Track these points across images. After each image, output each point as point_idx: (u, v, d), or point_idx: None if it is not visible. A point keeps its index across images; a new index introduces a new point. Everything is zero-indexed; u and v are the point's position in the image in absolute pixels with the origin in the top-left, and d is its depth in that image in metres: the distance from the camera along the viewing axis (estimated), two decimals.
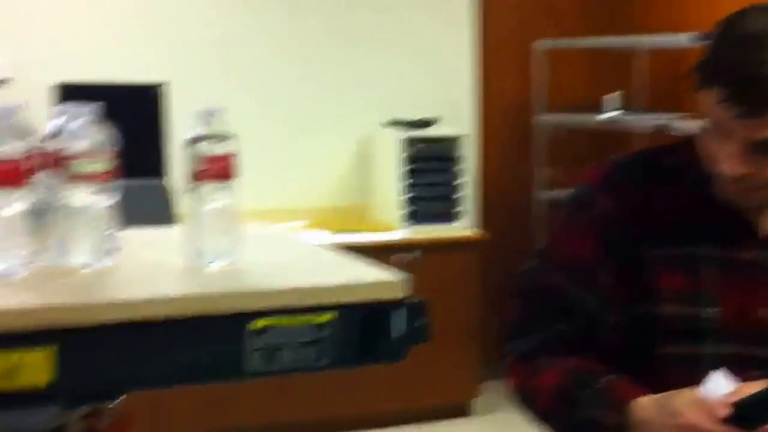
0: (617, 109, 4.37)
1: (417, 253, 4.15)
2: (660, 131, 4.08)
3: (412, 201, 4.40)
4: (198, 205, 1.40)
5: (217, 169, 1.38)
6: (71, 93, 4.00)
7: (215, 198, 1.39)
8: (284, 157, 4.44)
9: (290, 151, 4.45)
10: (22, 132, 1.35)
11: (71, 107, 1.40)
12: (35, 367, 1.21)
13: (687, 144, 1.60)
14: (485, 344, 4.32)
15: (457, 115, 4.63)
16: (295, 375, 1.34)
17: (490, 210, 4.80)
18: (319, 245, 1.65)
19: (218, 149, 1.39)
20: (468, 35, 4.67)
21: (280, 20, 4.40)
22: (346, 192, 4.57)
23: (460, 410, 4.41)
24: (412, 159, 4.38)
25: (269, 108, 4.40)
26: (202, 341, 1.28)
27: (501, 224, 4.77)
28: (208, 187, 1.39)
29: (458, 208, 4.49)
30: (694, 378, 1.45)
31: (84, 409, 1.32)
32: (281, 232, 1.77)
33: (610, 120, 4.32)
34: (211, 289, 1.31)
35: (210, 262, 1.40)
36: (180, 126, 4.12)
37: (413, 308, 1.34)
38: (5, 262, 1.32)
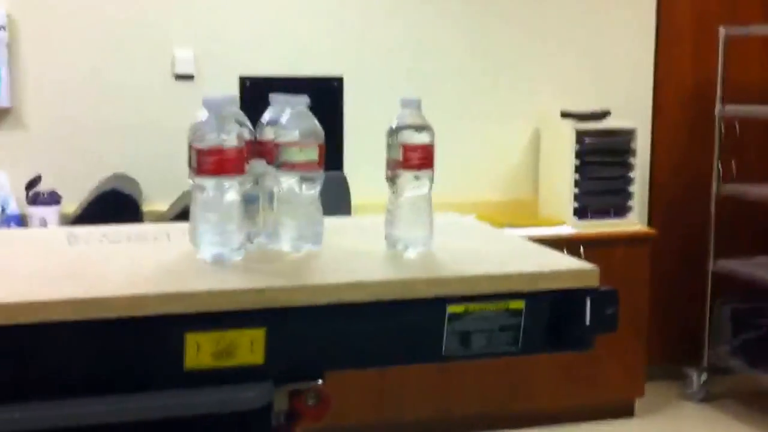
0: None
1: (585, 248, 4.14)
2: None
3: (583, 195, 4.38)
4: (396, 192, 1.48)
5: (417, 159, 1.46)
6: (255, 87, 4.19)
7: (414, 186, 1.47)
8: (454, 149, 4.48)
9: (460, 144, 4.49)
10: (237, 122, 1.45)
11: (283, 97, 1.49)
12: (248, 347, 1.32)
13: None
14: (651, 343, 4.28)
15: (633, 107, 4.57)
16: (484, 360, 1.40)
17: (662, 205, 4.73)
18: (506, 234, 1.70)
19: (418, 139, 1.46)
20: (648, 25, 4.61)
21: (456, 11, 4.43)
22: (515, 185, 4.58)
23: (624, 410, 4.37)
24: (584, 152, 4.36)
25: (441, 99, 4.45)
26: (404, 324, 1.36)
27: (674, 220, 4.69)
28: (407, 176, 1.46)
29: (629, 203, 4.45)
30: None
31: (289, 387, 1.41)
32: (469, 220, 1.83)
33: None
34: (412, 274, 1.38)
35: (407, 249, 1.48)
36: (355, 119, 4.25)
37: (606, 296, 1.38)
38: (223, 246, 1.43)
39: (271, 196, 1.49)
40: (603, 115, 4.46)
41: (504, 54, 4.49)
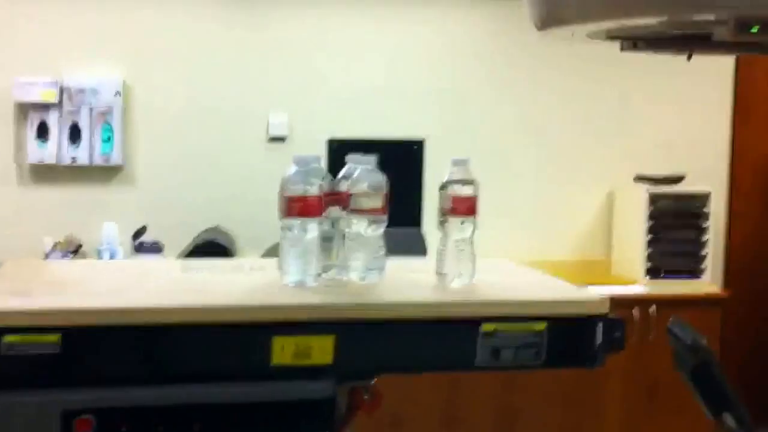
0: None
1: (657, 307, 4.39)
2: None
3: (655, 256, 4.66)
4: (446, 235, 1.87)
5: (463, 208, 1.85)
6: (342, 148, 4.64)
7: (460, 230, 1.85)
8: (530, 208, 4.82)
9: (537, 203, 4.83)
10: (319, 175, 1.87)
11: (356, 157, 1.90)
12: (321, 350, 1.71)
13: None
14: None
15: (708, 174, 4.83)
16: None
17: (736, 268, 4.98)
18: (542, 273, 2.06)
19: (464, 191, 1.85)
20: (725, 92, 4.93)
21: (537, 76, 4.81)
22: (589, 245, 4.90)
23: None
24: (658, 215, 4.65)
25: (520, 161, 4.80)
26: (445, 338, 1.74)
27: (747, 283, 4.93)
28: (455, 221, 1.85)
29: (702, 265, 4.71)
30: None
31: (349, 385, 1.79)
32: (511, 263, 2.19)
33: None
34: (454, 299, 1.77)
35: (453, 281, 1.86)
36: (433, 178, 4.65)
37: (614, 323, 1.74)
38: (302, 274, 1.84)
39: (343, 236, 1.90)
40: (677, 179, 4.77)
41: (583, 117, 4.84)
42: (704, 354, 1.73)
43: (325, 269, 1.88)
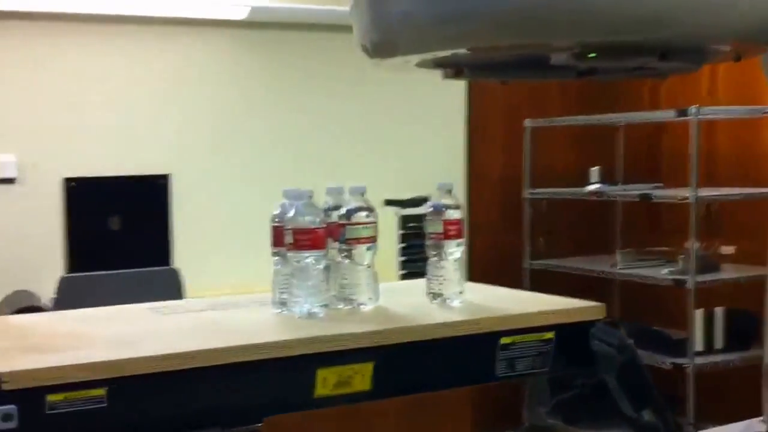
0: (600, 182, 5.18)
1: None
2: (643, 200, 4.90)
3: (409, 275, 5.07)
4: (441, 257, 2.06)
5: (455, 231, 2.06)
6: (80, 187, 4.60)
7: (454, 252, 2.06)
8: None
9: None
10: (313, 209, 2.00)
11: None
12: (361, 377, 1.85)
13: None
14: (476, 409, 4.97)
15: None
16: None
17: (478, 277, 5.47)
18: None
19: (455, 215, 2.06)
20: (459, 118, 5.45)
21: (277, 109, 5.02)
22: None
23: None
24: (411, 235, 5.06)
25: (269, 184, 4.94)
26: (470, 352, 1.94)
27: None
28: (450, 244, 2.05)
29: None
30: None
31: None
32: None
33: (595, 192, 5.11)
34: (474, 316, 1.97)
35: (450, 301, 2.06)
36: (182, 212, 4.73)
37: (611, 325, 2.02)
38: (314, 304, 1.96)
39: (334, 266, 2.04)
40: (423, 201, 5.21)
41: (327, 150, 5.12)
42: (631, 352, 1.92)
43: (328, 299, 2.01)
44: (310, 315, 1.96)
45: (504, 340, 1.94)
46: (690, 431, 4.66)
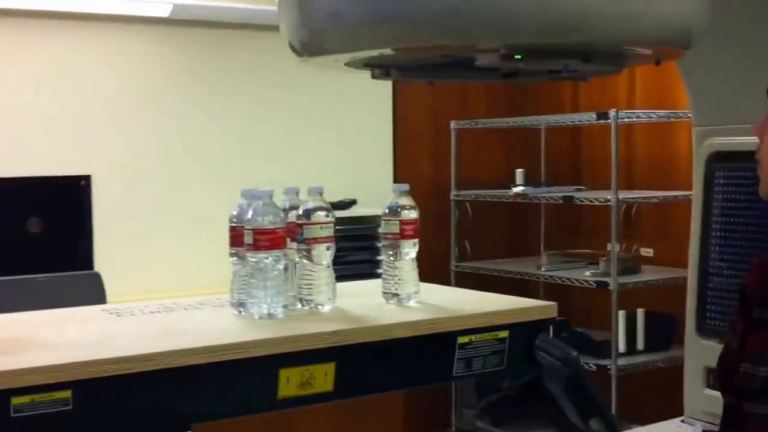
0: (524, 184, 5.30)
1: None
2: (566, 202, 5.03)
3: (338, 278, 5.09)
4: (397, 257, 2.11)
5: (411, 231, 2.10)
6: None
7: (410, 252, 2.11)
8: (208, 230, 4.97)
9: (211, 226, 4.99)
10: (273, 209, 2.02)
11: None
12: (322, 378, 1.88)
13: None
14: (407, 412, 5.03)
15: (376, 196, 5.34)
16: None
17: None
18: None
19: (411, 215, 2.11)
20: (386, 122, 5.49)
21: (200, 108, 4.98)
22: None
23: None
24: (337, 238, 5.07)
25: (191, 195, 4.95)
26: (429, 352, 1.98)
27: None
28: (407, 244, 2.10)
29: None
30: None
31: None
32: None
33: (520, 194, 5.22)
34: (434, 316, 2.01)
35: (407, 300, 2.11)
36: (104, 214, 4.68)
37: (562, 323, 2.09)
38: (274, 305, 1.99)
39: (293, 266, 2.07)
40: (350, 203, 5.25)
41: (250, 152, 5.11)
42: (576, 365, 1.95)
43: (287, 300, 2.04)
44: (270, 316, 1.98)
45: (461, 340, 1.99)
46: None
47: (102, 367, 1.69)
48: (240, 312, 2.04)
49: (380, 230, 2.15)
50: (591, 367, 4.72)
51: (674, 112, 4.85)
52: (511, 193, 5.27)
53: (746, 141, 2.80)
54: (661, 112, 4.93)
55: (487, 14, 1.73)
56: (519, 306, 2.10)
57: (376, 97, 5.40)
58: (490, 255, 5.57)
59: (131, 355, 1.73)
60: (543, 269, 5.16)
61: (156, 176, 4.89)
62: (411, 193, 2.17)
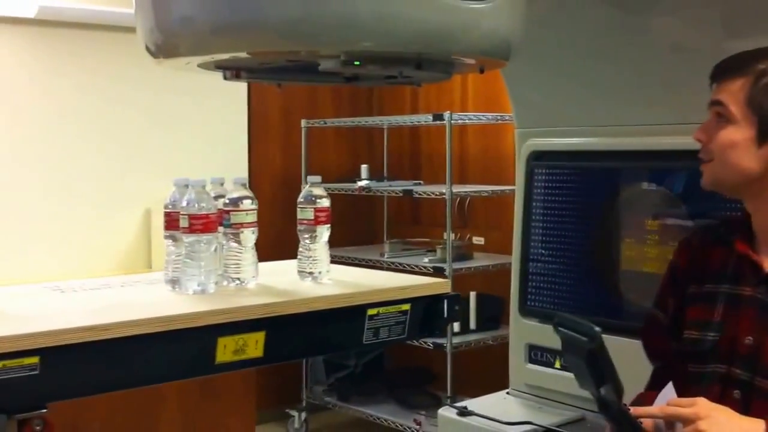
0: (368, 178, 5.55)
1: None
2: (406, 195, 5.30)
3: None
4: (313, 240, 2.30)
5: (325, 217, 2.30)
6: None
7: (324, 236, 2.30)
8: (78, 227, 4.99)
9: (80, 222, 5.01)
10: (206, 197, 2.18)
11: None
12: (254, 345, 2.05)
13: (740, 219, 2.12)
14: (260, 389, 5.16)
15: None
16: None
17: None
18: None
19: (324, 203, 2.30)
20: (241, 113, 5.60)
21: (65, 107, 4.96)
22: (131, 261, 5.24)
23: None
24: None
25: (56, 183, 4.94)
26: (343, 322, 2.18)
27: None
28: (321, 229, 2.29)
29: None
30: (703, 392, 1.92)
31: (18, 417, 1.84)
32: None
33: (364, 187, 5.46)
34: (349, 290, 2.21)
35: (321, 277, 2.30)
36: None
37: (454, 298, 2.32)
38: (207, 283, 2.15)
39: (220, 247, 2.23)
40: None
41: (110, 148, 5.12)
42: (600, 339, 1.92)
43: (216, 277, 2.20)
44: (203, 291, 2.14)
45: (370, 312, 2.20)
46: (447, 404, 5.08)
47: (67, 335, 1.82)
48: (175, 288, 2.18)
49: (298, 217, 2.33)
50: (429, 345, 4.99)
51: (501, 115, 5.18)
52: (356, 187, 5.52)
53: (561, 142, 3.13)
54: (491, 114, 5.26)
55: (329, 24, 1.87)
56: (419, 283, 2.32)
57: (233, 96, 5.52)
58: (338, 243, 5.71)
59: (91, 324, 1.86)
60: (386, 256, 5.42)
61: (16, 176, 4.85)
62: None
